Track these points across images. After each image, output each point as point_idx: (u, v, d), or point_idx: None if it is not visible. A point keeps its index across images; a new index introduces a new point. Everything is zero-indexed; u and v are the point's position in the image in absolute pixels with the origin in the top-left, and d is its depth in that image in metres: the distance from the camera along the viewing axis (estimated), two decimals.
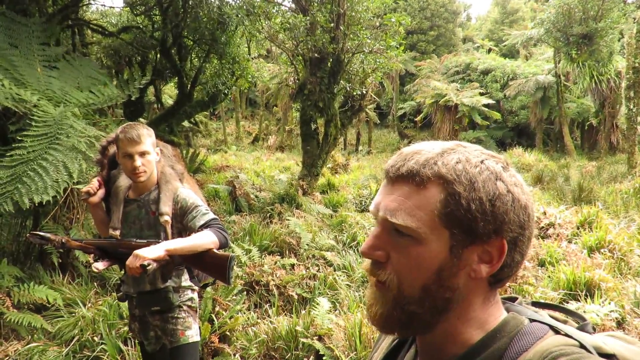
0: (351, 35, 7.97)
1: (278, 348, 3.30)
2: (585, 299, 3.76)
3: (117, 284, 2.10)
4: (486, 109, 21.07)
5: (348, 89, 8.38)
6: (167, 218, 1.89)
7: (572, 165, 15.17)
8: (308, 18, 7.54)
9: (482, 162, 0.59)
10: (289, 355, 3.22)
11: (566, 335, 0.58)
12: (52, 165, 3.17)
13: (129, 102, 6.61)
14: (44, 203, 3.06)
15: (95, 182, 1.98)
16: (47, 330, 3.34)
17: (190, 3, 6.67)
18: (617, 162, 15.35)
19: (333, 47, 7.74)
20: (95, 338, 3.20)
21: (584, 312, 3.42)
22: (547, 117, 22.72)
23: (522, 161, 15.56)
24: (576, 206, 7.06)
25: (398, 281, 0.60)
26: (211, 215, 1.88)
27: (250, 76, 9.13)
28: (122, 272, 1.98)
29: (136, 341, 2.96)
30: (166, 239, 1.88)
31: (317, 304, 3.68)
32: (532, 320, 0.61)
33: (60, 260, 4.20)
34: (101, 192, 1.99)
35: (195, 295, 2.05)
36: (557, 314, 0.67)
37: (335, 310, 3.79)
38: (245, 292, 4.05)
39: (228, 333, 3.38)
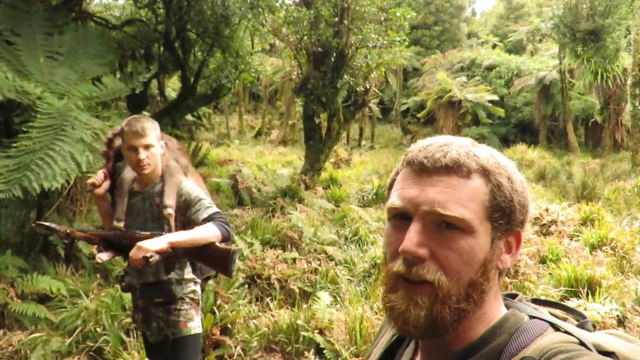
0: (355, 30, 7.93)
1: (279, 341, 3.33)
2: (586, 297, 3.76)
3: (120, 275, 2.12)
4: (490, 105, 20.98)
5: (351, 83, 8.35)
6: (171, 211, 1.90)
7: (575, 163, 15.11)
8: (312, 12, 7.51)
9: (496, 155, 0.63)
10: (289, 348, 3.24)
11: (566, 332, 0.58)
12: (60, 156, 3.20)
13: (132, 95, 6.61)
14: (52, 190, 3.09)
15: (100, 174, 1.99)
16: (51, 320, 3.37)
17: None
18: (621, 159, 15.27)
19: (337, 41, 7.70)
20: (98, 329, 3.22)
21: (585, 309, 3.42)
22: (551, 114, 22.60)
23: (525, 158, 15.50)
24: (579, 203, 7.04)
25: (447, 278, 0.56)
26: (214, 209, 1.89)
27: (253, 70, 9.11)
28: (126, 263, 1.99)
29: (139, 332, 2.99)
30: (170, 231, 1.89)
31: (318, 297, 3.70)
32: (532, 317, 0.61)
33: (64, 252, 4.23)
34: (106, 184, 2.00)
35: (197, 288, 2.06)
36: (557, 312, 0.67)
37: (337, 305, 3.81)
38: (246, 286, 4.08)
39: (229, 326, 3.40)
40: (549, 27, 18.10)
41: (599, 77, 16.57)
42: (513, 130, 25.16)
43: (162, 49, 8.23)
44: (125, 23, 8.11)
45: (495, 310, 0.62)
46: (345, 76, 8.19)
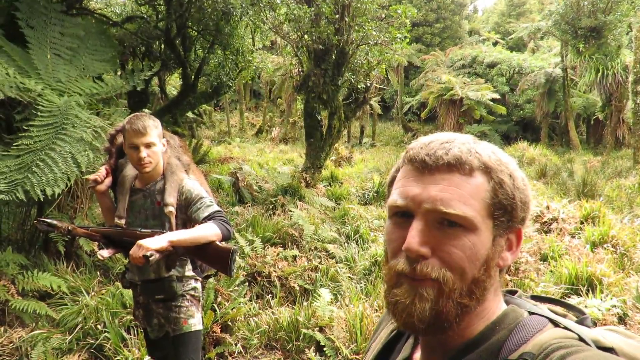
0: (356, 27, 7.90)
1: (279, 338, 3.33)
2: (587, 294, 3.76)
3: (121, 271, 2.12)
4: (492, 103, 20.94)
5: (352, 81, 8.34)
6: (172, 209, 1.90)
7: (577, 160, 15.09)
8: (313, 9, 7.48)
9: (497, 152, 0.63)
10: (290, 345, 3.25)
11: (565, 328, 0.58)
12: (61, 157, 3.20)
13: (133, 92, 6.61)
14: (56, 196, 3.10)
15: (102, 170, 1.99)
16: (51, 317, 3.37)
17: None
18: (623, 157, 15.25)
19: (338, 38, 7.68)
20: (99, 326, 3.23)
21: (586, 307, 3.42)
22: (552, 111, 22.55)
23: (526, 155, 15.48)
24: (580, 201, 7.03)
25: (452, 274, 0.57)
26: (215, 208, 1.89)
27: (254, 68, 9.10)
28: (127, 260, 2.00)
29: (139, 329, 2.99)
30: (170, 229, 1.90)
31: (319, 295, 3.70)
32: (531, 313, 0.61)
33: (65, 249, 4.24)
34: (108, 181, 2.00)
35: (198, 285, 2.07)
36: (556, 308, 0.67)
37: (337, 302, 3.81)
38: (247, 283, 4.08)
39: (230, 323, 3.41)
40: (550, 25, 18.02)
41: (600, 74, 16.52)
42: (514, 127, 25.12)
43: (162, 46, 8.22)
44: (125, 20, 8.09)
45: (495, 306, 0.62)
46: (346, 74, 8.17)
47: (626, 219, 6.19)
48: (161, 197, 1.93)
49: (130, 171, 2.02)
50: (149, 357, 2.21)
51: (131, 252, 1.67)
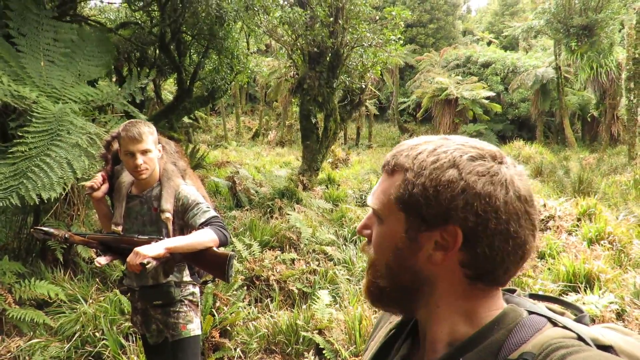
0: (350, 29, 7.93)
1: (278, 342, 3.33)
2: (584, 291, 3.77)
3: (119, 278, 2.12)
4: (487, 102, 21.01)
5: (347, 83, 8.35)
6: (168, 215, 1.90)
7: (572, 158, 15.15)
8: (307, 12, 7.50)
9: (446, 151, 0.61)
10: (289, 349, 3.24)
11: (564, 327, 0.58)
12: (56, 162, 3.19)
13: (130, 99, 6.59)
14: (52, 199, 3.08)
15: (99, 177, 1.99)
16: (49, 326, 3.36)
17: None
18: (618, 153, 15.33)
19: (332, 41, 7.70)
20: (97, 334, 3.22)
21: (583, 303, 3.43)
22: (547, 110, 22.65)
23: (522, 154, 15.53)
24: (576, 198, 7.06)
25: (374, 256, 0.67)
26: (212, 213, 1.89)
27: (249, 71, 9.10)
28: (124, 266, 1.99)
29: (138, 336, 2.98)
30: (167, 235, 1.89)
31: (318, 297, 3.70)
32: (530, 313, 0.61)
33: (62, 257, 4.22)
34: (105, 187, 2.00)
35: (196, 290, 2.07)
36: (554, 306, 0.67)
37: (336, 304, 3.81)
38: (245, 287, 4.07)
39: (229, 328, 3.40)
40: (542, 24, 18.12)
41: (593, 72, 16.62)
42: (510, 126, 25.21)
43: (157, 51, 8.22)
44: (120, 26, 8.09)
45: (481, 305, 0.62)
46: (341, 76, 8.19)
47: (621, 215, 6.22)
48: (158, 203, 1.93)
49: (126, 177, 2.01)
50: None
51: (128, 259, 1.67)
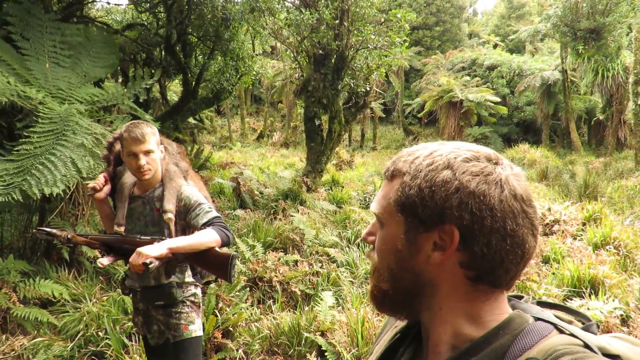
0: (355, 32, 7.93)
1: (281, 344, 3.33)
2: (589, 296, 3.74)
3: (122, 278, 2.13)
4: (492, 104, 20.94)
5: (352, 85, 8.35)
6: (171, 215, 1.90)
7: (578, 162, 15.06)
8: (313, 15, 7.52)
9: (441, 154, 0.63)
10: (291, 350, 3.24)
11: (571, 334, 0.58)
12: (61, 161, 3.21)
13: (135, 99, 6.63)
14: (54, 195, 3.10)
15: (101, 178, 2.00)
16: (53, 325, 3.37)
17: (194, 0, 6.68)
18: (625, 158, 15.22)
19: (337, 43, 7.71)
20: (100, 333, 3.23)
21: (588, 309, 3.40)
22: (553, 113, 22.54)
23: (528, 157, 15.46)
24: (582, 202, 7.01)
25: (377, 261, 0.68)
26: (214, 214, 1.90)
27: (254, 73, 9.13)
28: (127, 266, 2.00)
29: (140, 335, 2.99)
30: (170, 235, 1.90)
31: (321, 299, 3.69)
32: (537, 319, 0.61)
33: (68, 256, 4.25)
34: (107, 188, 2.01)
35: (198, 291, 2.07)
36: (561, 314, 0.67)
37: (338, 306, 3.80)
38: (248, 288, 4.08)
39: (231, 329, 3.40)
40: (549, 27, 18.04)
41: (600, 75, 16.51)
42: (515, 129, 25.10)
43: (163, 53, 8.27)
44: (126, 27, 8.14)
45: (485, 310, 0.62)
46: (345, 78, 8.19)
47: (628, 220, 6.17)
48: (160, 203, 1.93)
49: (128, 178, 2.02)
50: None
51: (131, 259, 1.68)
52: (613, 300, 3.52)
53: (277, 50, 22.02)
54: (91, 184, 1.95)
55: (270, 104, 27.06)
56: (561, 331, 0.59)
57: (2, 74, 3.58)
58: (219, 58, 8.45)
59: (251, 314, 3.69)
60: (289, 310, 3.87)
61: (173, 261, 1.83)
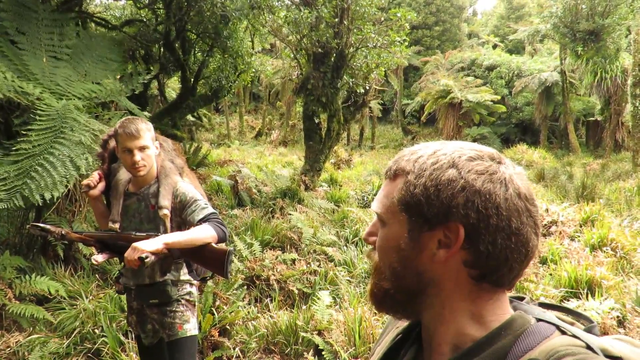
0: (355, 30, 7.92)
1: (278, 342, 3.32)
2: (586, 297, 3.75)
3: (116, 276, 2.11)
4: (491, 104, 20.97)
5: (351, 84, 8.34)
6: (166, 212, 1.89)
7: (576, 163, 15.09)
8: (312, 12, 7.50)
9: (445, 153, 0.63)
10: (288, 349, 3.24)
11: (573, 336, 0.58)
12: (59, 161, 3.20)
13: (132, 95, 6.62)
14: (54, 200, 3.09)
15: (95, 175, 1.98)
16: (49, 322, 3.36)
17: None
18: (622, 159, 15.26)
19: (336, 42, 7.69)
20: (96, 330, 3.22)
21: (585, 310, 3.41)
22: (551, 114, 22.58)
23: (525, 158, 15.49)
24: (579, 204, 7.02)
25: (379, 260, 0.68)
26: (210, 210, 1.89)
27: (253, 70, 9.11)
28: (122, 264, 1.99)
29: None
30: (165, 232, 1.88)
31: (318, 298, 3.69)
32: (539, 320, 0.61)
33: (64, 253, 4.22)
34: (101, 185, 2.00)
35: (194, 290, 2.05)
36: (563, 316, 0.67)
37: (336, 306, 3.80)
38: (245, 287, 4.07)
39: (228, 327, 3.40)
40: (548, 28, 18.05)
41: (598, 77, 16.55)
42: (514, 130, 25.15)
43: (162, 49, 8.24)
44: (125, 23, 8.11)
45: (488, 310, 0.62)
46: (345, 76, 8.17)
47: (625, 222, 6.18)
48: (155, 200, 1.92)
49: (123, 175, 2.01)
50: None
51: (126, 255, 1.66)
52: (610, 301, 3.53)
53: (276, 48, 21.97)
54: (85, 181, 1.94)
55: (269, 102, 27.02)
56: (563, 332, 0.59)
57: None
58: (218, 55, 8.43)
59: (248, 312, 3.68)
60: (286, 308, 3.86)
61: (169, 258, 1.81)
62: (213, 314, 3.35)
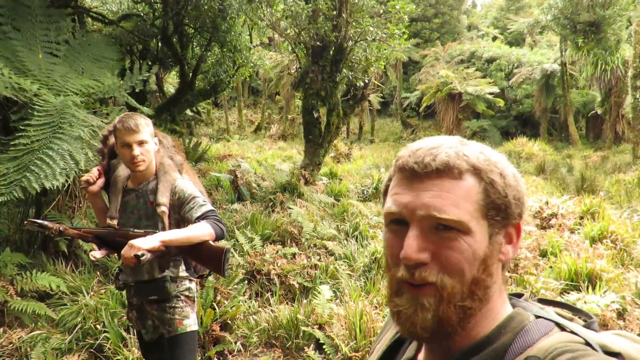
0: (354, 23, 7.87)
1: (279, 336, 3.33)
2: (586, 290, 3.76)
3: (116, 273, 2.11)
4: (491, 97, 20.91)
5: (350, 77, 8.31)
6: (164, 209, 1.88)
7: (576, 155, 15.08)
8: (310, 5, 7.45)
9: (483, 151, 0.63)
10: (289, 343, 3.25)
11: (572, 332, 0.58)
12: (59, 155, 3.19)
13: (131, 92, 6.60)
14: (54, 188, 3.08)
15: (94, 171, 1.98)
16: (51, 318, 3.37)
17: None
18: (622, 152, 15.25)
19: (335, 35, 7.65)
20: (98, 326, 3.23)
21: (585, 302, 3.42)
22: (551, 107, 22.52)
23: (525, 150, 15.47)
24: (579, 196, 7.02)
25: (450, 278, 0.57)
26: (208, 207, 1.88)
27: (251, 64, 9.06)
28: (121, 261, 1.99)
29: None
30: (164, 229, 1.88)
31: (319, 292, 3.70)
32: (537, 317, 0.61)
33: (65, 249, 4.23)
34: (100, 182, 1.99)
35: (193, 285, 2.05)
36: (563, 311, 0.66)
37: (336, 299, 3.81)
38: (246, 281, 4.08)
39: (229, 321, 3.41)
40: (548, 19, 17.96)
41: (599, 69, 16.49)
42: (514, 122, 25.09)
43: (159, 44, 8.19)
44: (122, 18, 8.06)
45: (500, 306, 0.62)
46: (344, 70, 8.14)
47: (625, 214, 6.19)
48: (154, 197, 1.91)
49: (122, 171, 2.00)
50: None
51: (123, 252, 1.66)
52: (610, 294, 3.54)
53: (274, 41, 21.84)
54: (85, 177, 1.93)
55: (268, 96, 26.93)
56: (562, 329, 0.59)
57: None
58: (216, 50, 8.38)
59: (249, 306, 3.69)
60: (287, 303, 3.87)
61: (166, 255, 1.81)
62: (214, 309, 3.36)
